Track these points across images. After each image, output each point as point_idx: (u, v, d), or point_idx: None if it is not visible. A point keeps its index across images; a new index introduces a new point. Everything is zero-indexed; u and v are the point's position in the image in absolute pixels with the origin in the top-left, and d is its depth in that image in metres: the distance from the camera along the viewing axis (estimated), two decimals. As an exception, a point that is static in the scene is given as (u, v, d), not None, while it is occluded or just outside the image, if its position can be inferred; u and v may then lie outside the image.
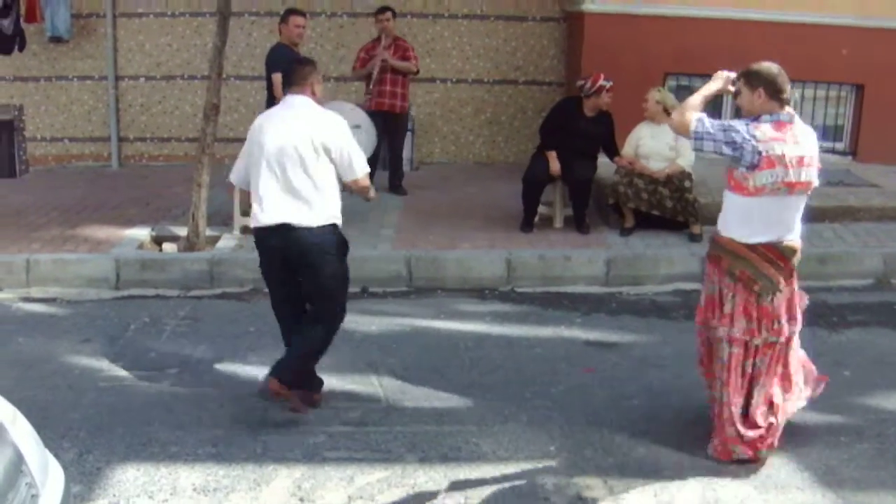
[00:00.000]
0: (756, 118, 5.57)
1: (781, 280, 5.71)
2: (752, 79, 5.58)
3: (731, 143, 5.45)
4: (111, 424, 6.21)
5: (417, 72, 12.05)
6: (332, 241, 6.37)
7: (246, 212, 10.26)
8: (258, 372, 7.05)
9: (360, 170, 6.37)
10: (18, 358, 7.48)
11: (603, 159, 10.42)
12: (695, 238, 9.86)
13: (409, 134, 13.31)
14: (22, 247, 9.81)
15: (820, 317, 7.15)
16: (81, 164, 14.28)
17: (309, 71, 6.39)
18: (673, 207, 9.88)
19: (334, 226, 6.38)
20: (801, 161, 5.54)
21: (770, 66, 5.61)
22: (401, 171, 12.03)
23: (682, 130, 5.62)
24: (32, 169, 14.14)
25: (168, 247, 9.99)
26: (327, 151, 6.20)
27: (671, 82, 12.46)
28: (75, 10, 13.85)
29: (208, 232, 9.99)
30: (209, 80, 9.81)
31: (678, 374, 6.89)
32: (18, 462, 3.74)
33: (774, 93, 5.54)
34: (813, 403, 6.21)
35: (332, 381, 6.86)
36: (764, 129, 5.49)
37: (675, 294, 9.08)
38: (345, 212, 10.69)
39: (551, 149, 10.23)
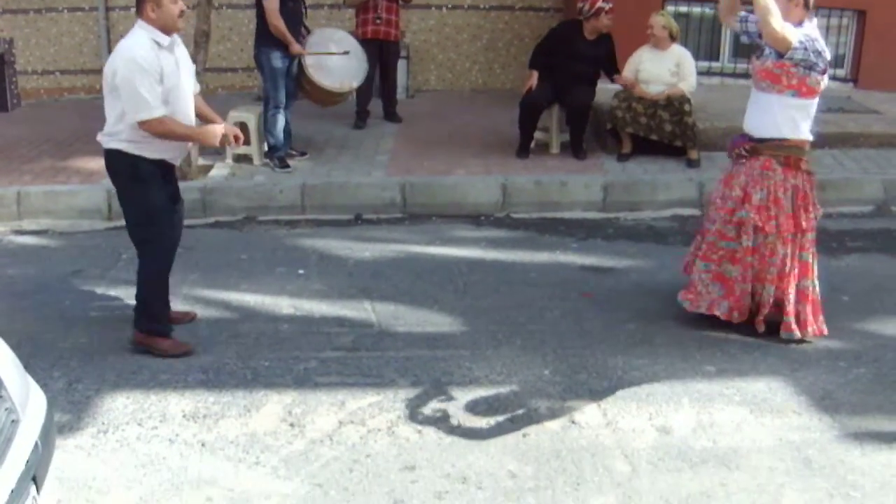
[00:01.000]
0: (798, 24, 5.95)
1: None
2: None
3: (816, 51, 5.86)
4: (101, 353, 6.16)
5: (411, 0, 11.83)
6: (117, 162, 6.11)
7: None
8: (250, 299, 7.04)
9: (136, 114, 5.84)
10: (9, 290, 7.42)
11: (602, 84, 10.28)
12: (692, 164, 9.75)
13: (404, 61, 13.15)
14: (13, 179, 9.73)
15: (819, 243, 7.00)
16: (73, 97, 14.13)
17: None
18: (672, 132, 9.75)
19: (119, 151, 6.05)
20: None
21: None
22: (395, 99, 11.87)
23: (781, 44, 5.82)
24: (24, 102, 14.02)
25: (160, 176, 9.87)
26: (113, 81, 5.90)
27: (670, 7, 12.26)
28: (64, -60, 13.66)
29: (201, 161, 9.89)
30: (198, 7, 9.64)
31: (673, 299, 6.78)
32: (-4, 387, 3.68)
33: (808, 3, 6.00)
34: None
35: (323, 307, 6.84)
36: (815, 34, 5.96)
37: (673, 219, 9.00)
38: (340, 139, 10.80)
39: (536, 68, 10.12)
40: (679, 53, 9.96)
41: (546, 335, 6.33)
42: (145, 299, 6.27)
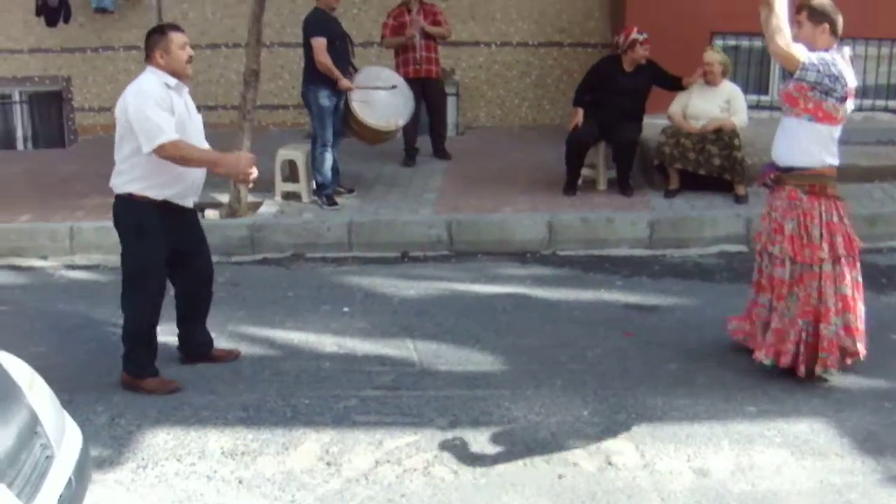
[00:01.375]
0: (824, 51, 5.90)
1: None
2: (817, 15, 5.92)
3: (831, 76, 5.80)
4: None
5: (449, 36, 11.83)
6: (123, 213, 6.25)
7: (287, 177, 10.32)
8: (294, 336, 7.09)
9: (151, 142, 5.89)
10: (58, 323, 7.55)
11: (648, 119, 10.27)
12: (740, 199, 9.69)
13: (454, 98, 13.22)
14: (66, 215, 9.91)
15: (868, 278, 6.96)
16: (129, 134, 14.30)
17: (153, 41, 6.13)
18: (720, 165, 9.69)
19: (125, 198, 6.20)
20: (854, 92, 6.03)
21: (831, 4, 5.99)
22: (444, 136, 11.90)
23: (789, 62, 5.84)
24: (81, 138, 14.27)
25: (210, 213, 10.00)
26: (126, 118, 6.03)
27: (718, 41, 12.20)
28: (120, -19, 13.90)
29: (250, 198, 10.00)
30: (248, 46, 9.77)
31: (717, 338, 6.77)
32: (33, 423, 3.76)
33: (836, 30, 5.96)
34: (856, 367, 6.20)
35: (365, 346, 6.88)
36: (839, 62, 5.86)
37: (720, 256, 8.96)
38: (389, 177, 10.85)
39: (580, 106, 10.17)
40: (730, 90, 9.94)
41: (587, 375, 6.30)
42: (130, 344, 6.29)
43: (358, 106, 9.96)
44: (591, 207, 9.70)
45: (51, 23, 13.67)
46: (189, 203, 6.41)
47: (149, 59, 6.11)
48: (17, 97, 14.77)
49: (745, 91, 11.37)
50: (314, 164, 10.02)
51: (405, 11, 11.44)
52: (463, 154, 11.98)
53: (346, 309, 7.67)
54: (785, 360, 6.12)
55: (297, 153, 10.27)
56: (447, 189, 10.47)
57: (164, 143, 5.86)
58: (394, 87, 10.29)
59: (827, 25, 5.93)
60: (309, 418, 5.76)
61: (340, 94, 9.90)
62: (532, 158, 11.72)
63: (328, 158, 9.93)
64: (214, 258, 8.93)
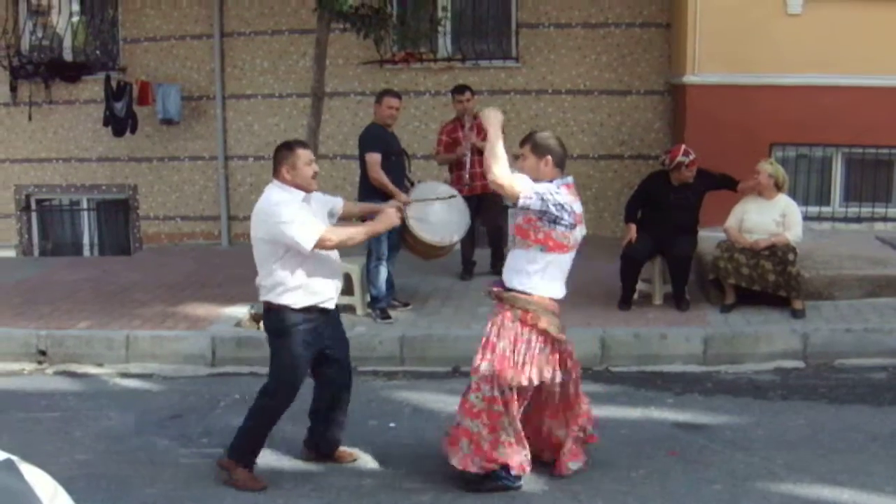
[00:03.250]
0: (548, 181, 6.10)
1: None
2: (540, 148, 6.16)
3: (557, 204, 5.98)
4: (184, 500, 6.28)
5: None
6: (269, 319, 6.50)
7: (343, 290, 10.35)
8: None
9: (306, 241, 6.13)
10: (108, 432, 7.62)
11: (704, 233, 10.23)
12: (797, 314, 9.57)
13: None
14: (123, 323, 10.04)
15: None
16: (192, 242, 14.57)
17: (280, 157, 6.37)
18: (775, 281, 9.60)
19: (270, 305, 6.44)
20: (581, 217, 6.24)
21: (553, 138, 6.33)
22: (502, 250, 11.82)
23: (509, 192, 6.00)
24: (146, 246, 14.51)
25: (267, 325, 10.04)
26: (261, 235, 6.29)
27: (777, 152, 12.21)
28: (186, 93, 14.29)
29: (304, 312, 10.04)
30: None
31: (766, 457, 6.67)
32: (51, 540, 3.73)
33: (560, 162, 6.19)
34: None
35: (408, 463, 6.83)
36: (563, 191, 6.08)
37: (775, 373, 8.82)
38: (444, 291, 10.86)
39: (631, 221, 10.19)
40: (785, 203, 9.88)
41: (629, 496, 6.20)
42: (247, 431, 6.53)
43: (413, 222, 10.00)
44: (645, 322, 9.62)
45: (118, 133, 14.04)
46: (331, 305, 6.59)
47: (276, 173, 6.36)
48: (85, 204, 15.10)
49: (806, 202, 11.40)
50: (369, 277, 10.09)
51: (459, 127, 11.43)
52: (520, 266, 11.92)
53: (392, 424, 7.66)
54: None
55: (352, 266, 10.33)
56: (502, 302, 10.44)
57: (322, 238, 6.13)
58: (452, 196, 10.33)
59: (550, 157, 6.13)
60: (345, 537, 5.72)
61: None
62: (590, 271, 11.61)
63: (382, 272, 9.99)
64: (267, 370, 9.09)
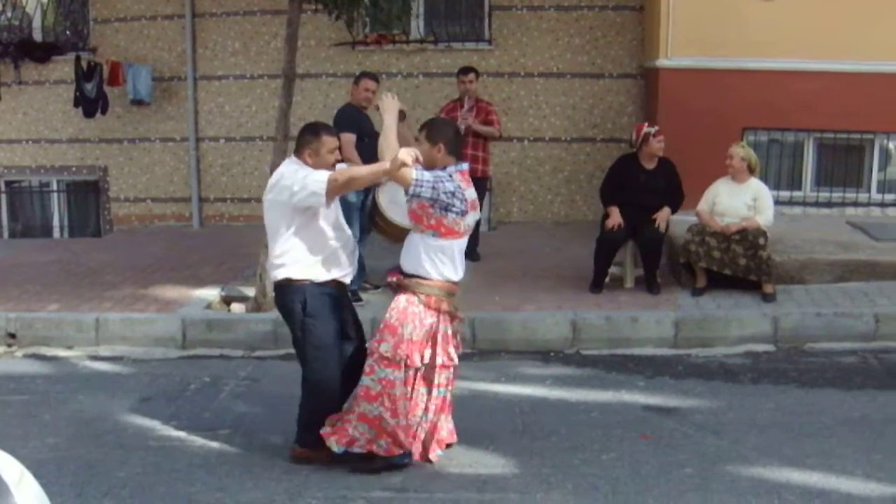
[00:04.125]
0: (441, 168, 6.19)
1: None
2: (434, 134, 6.26)
3: (447, 192, 6.06)
4: (154, 484, 6.20)
5: (500, 136, 11.83)
6: (286, 299, 6.42)
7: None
8: (308, 434, 7.03)
9: (316, 183, 6.14)
10: (76, 415, 7.56)
11: (677, 217, 10.22)
12: (768, 298, 9.59)
13: (486, 194, 13.25)
14: (94, 305, 9.98)
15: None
16: (163, 224, 14.50)
17: (305, 140, 6.38)
18: (746, 266, 9.62)
19: (288, 283, 6.37)
20: (474, 203, 6.32)
21: (450, 124, 6.65)
22: (477, 237, 11.76)
23: (401, 180, 6.07)
24: (116, 228, 14.44)
25: (236, 307, 10.01)
26: (276, 197, 6.28)
27: (750, 136, 12.23)
28: (157, 74, 14.22)
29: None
30: (275, 141, 9.86)
31: (736, 440, 6.69)
32: (16, 524, 3.70)
33: (454, 149, 6.27)
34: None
35: (378, 445, 6.79)
36: (457, 178, 6.16)
37: (746, 356, 8.84)
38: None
39: (612, 204, 10.13)
40: (756, 187, 9.88)
41: (599, 479, 6.18)
42: (307, 424, 6.51)
43: (385, 204, 9.94)
44: (616, 306, 9.63)
45: (88, 114, 13.96)
46: (348, 279, 6.64)
47: (297, 153, 6.37)
48: (55, 186, 15.01)
49: (777, 186, 11.44)
50: (340, 259, 10.01)
51: (458, 106, 11.44)
52: (492, 250, 11.98)
53: (363, 406, 7.62)
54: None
55: (323, 247, 10.29)
56: (473, 285, 10.39)
57: (329, 178, 6.11)
58: None
59: (442, 145, 6.21)
60: (314, 520, 5.70)
61: (368, 190, 9.91)
62: (561, 254, 11.70)
63: (354, 254, 9.92)
64: (238, 352, 9.10)
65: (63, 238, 14.94)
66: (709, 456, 6.54)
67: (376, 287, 10.33)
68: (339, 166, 6.52)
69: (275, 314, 9.31)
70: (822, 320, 9.20)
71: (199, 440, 6.97)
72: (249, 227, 13.82)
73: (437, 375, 6.36)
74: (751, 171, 9.90)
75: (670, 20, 12.13)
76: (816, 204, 12.54)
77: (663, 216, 9.88)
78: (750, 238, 9.58)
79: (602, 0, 13.65)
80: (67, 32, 14.80)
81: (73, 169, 14.82)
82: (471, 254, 11.47)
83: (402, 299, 6.28)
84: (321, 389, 6.43)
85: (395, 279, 6.41)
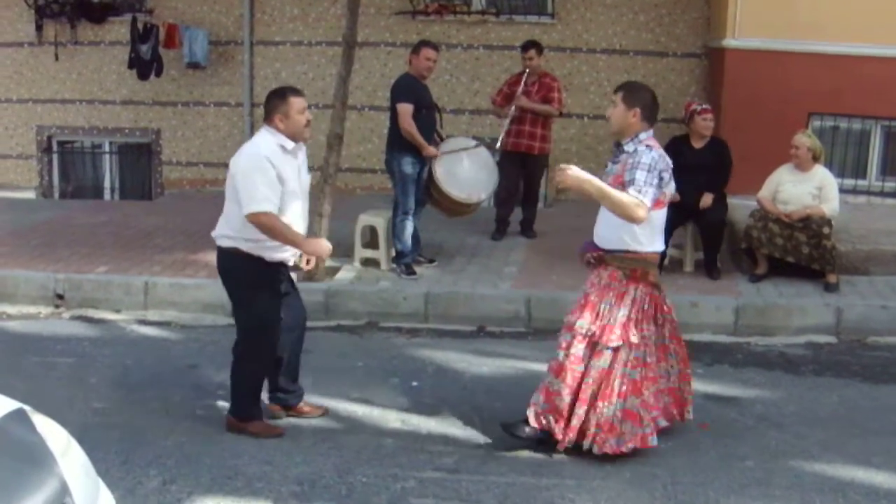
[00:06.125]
0: (635, 138, 5.99)
1: None
2: (631, 98, 6.03)
3: (660, 177, 5.80)
4: (200, 454, 6.08)
5: (560, 114, 11.55)
6: (232, 266, 6.32)
7: (367, 244, 10.18)
8: (358, 409, 6.91)
9: (248, 206, 5.99)
10: (124, 380, 7.48)
11: (738, 201, 9.97)
12: (830, 288, 9.35)
13: (545, 171, 13.05)
14: (143, 269, 9.89)
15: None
16: (215, 189, 14.30)
17: (273, 105, 6.25)
18: (809, 254, 9.37)
19: (236, 251, 6.23)
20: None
21: (648, 89, 6.20)
22: (533, 214, 11.66)
23: (638, 219, 5.73)
24: (167, 192, 14.35)
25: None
26: (232, 177, 6.13)
27: (815, 122, 11.96)
28: (213, 38, 14.10)
29: (329, 263, 9.85)
30: (334, 109, 9.69)
31: (799, 434, 6.47)
32: (62, 493, 3.59)
33: (650, 115, 6.01)
34: None
35: (431, 423, 6.67)
36: (655, 146, 5.94)
37: (807, 347, 8.59)
38: (471, 248, 10.66)
39: None
40: (822, 175, 9.60)
41: (658, 468, 5.99)
42: (241, 388, 6.44)
43: (442, 176, 9.80)
44: (675, 289, 9.34)
45: (143, 76, 13.90)
46: (292, 262, 6.52)
47: (268, 120, 6.23)
48: (107, 147, 14.94)
49: (842, 175, 11.16)
50: (394, 231, 9.88)
51: (521, 80, 11.21)
52: (549, 228, 11.78)
53: (415, 383, 7.47)
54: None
55: (378, 219, 10.14)
56: (529, 264, 10.26)
57: (259, 213, 5.96)
58: (477, 145, 10.14)
59: (639, 110, 5.97)
60: (364, 498, 5.54)
61: (424, 162, 9.76)
62: (618, 235, 11.45)
63: (409, 227, 9.78)
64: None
65: (114, 200, 14.86)
66: (770, 449, 6.33)
67: (431, 261, 10.17)
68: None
69: (326, 285, 9.26)
70: (888, 313, 8.94)
71: (246, 411, 6.83)
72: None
73: (628, 354, 6.01)
74: (815, 159, 9.62)
75: (739, 0, 11.82)
76: (881, 193, 12.25)
77: (704, 203, 9.62)
78: (814, 226, 9.32)
79: (669, -23, 13.33)
80: (125, -7, 14.69)
81: (126, 131, 14.73)
82: (526, 231, 11.33)
83: (603, 275, 6.07)
84: (255, 358, 6.38)
85: (593, 255, 6.18)
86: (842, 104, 11.91)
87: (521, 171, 11.22)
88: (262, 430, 6.37)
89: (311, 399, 6.96)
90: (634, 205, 5.66)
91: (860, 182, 12.32)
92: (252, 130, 14.14)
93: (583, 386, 5.99)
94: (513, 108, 11.08)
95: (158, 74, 13.95)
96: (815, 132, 10.45)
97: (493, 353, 8.29)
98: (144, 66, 13.88)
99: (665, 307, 6.28)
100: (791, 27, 11.71)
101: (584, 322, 5.99)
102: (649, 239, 6.01)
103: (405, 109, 9.54)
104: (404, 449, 6.24)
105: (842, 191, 10.02)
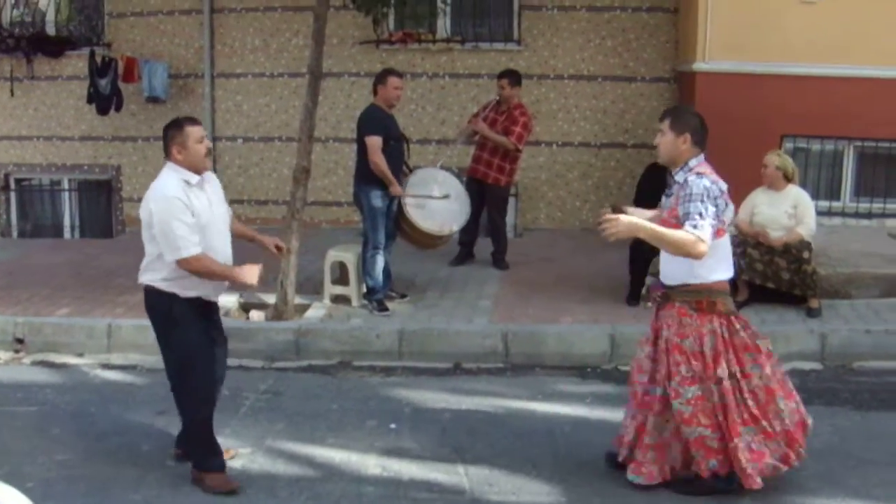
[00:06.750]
0: (685, 166, 5.76)
1: None
2: (679, 124, 5.79)
3: (716, 206, 5.56)
4: (172, 510, 5.78)
5: (516, 149, 11.04)
6: (156, 303, 6.10)
7: (337, 280, 9.92)
8: (336, 455, 6.63)
9: (174, 254, 5.81)
10: (89, 429, 7.18)
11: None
12: (813, 313, 9.19)
13: (513, 199, 12.85)
14: (106, 311, 9.62)
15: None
16: (178, 226, 14.07)
17: (169, 136, 6.02)
18: (790, 280, 9.20)
19: (154, 289, 6.04)
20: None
21: (696, 114, 5.95)
22: (502, 245, 11.35)
23: (697, 255, 5.50)
24: (128, 230, 14.06)
25: (255, 315, 9.63)
26: (147, 225, 5.93)
27: (788, 144, 11.84)
28: (173, 71, 13.84)
29: (298, 300, 9.60)
30: (300, 142, 9.44)
31: (795, 468, 6.22)
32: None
33: (699, 140, 5.79)
34: None
35: (412, 469, 6.39)
36: (707, 172, 5.72)
37: (793, 375, 8.22)
38: (442, 281, 10.42)
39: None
40: (796, 195, 9.45)
41: (649, 510, 5.76)
42: (190, 441, 6.25)
43: (412, 209, 9.57)
44: (655, 319, 9.19)
45: (102, 111, 13.64)
46: (215, 298, 6.33)
47: (167, 154, 6.02)
48: (66, 185, 14.65)
49: (816, 197, 11.05)
50: (365, 267, 9.63)
51: (492, 108, 11.10)
52: (521, 258, 11.54)
53: (392, 426, 7.19)
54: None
55: (347, 254, 9.89)
56: (503, 297, 10.02)
57: (188, 258, 5.80)
58: (446, 196, 9.91)
59: (689, 135, 5.76)
60: (347, 553, 5.27)
61: (393, 196, 9.52)
62: (593, 264, 11.25)
63: (379, 261, 9.54)
64: (258, 363, 8.73)
65: (74, 239, 14.53)
66: (767, 485, 6.05)
67: (403, 296, 9.91)
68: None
69: (296, 323, 9.00)
70: (871, 338, 8.78)
71: (219, 460, 6.54)
72: (268, 230, 13.35)
73: (713, 388, 5.78)
74: (787, 179, 9.47)
75: (708, 22, 11.71)
76: (856, 215, 12.13)
77: None
78: (793, 251, 9.18)
79: (635, 1, 13.18)
80: (81, 26, 14.39)
81: (86, 167, 14.40)
82: (498, 262, 11.11)
83: (673, 313, 5.84)
84: (194, 399, 6.12)
85: (659, 293, 6.01)
86: (814, 125, 11.80)
87: (481, 199, 10.96)
88: (216, 484, 6.06)
89: (284, 446, 6.72)
90: (692, 242, 5.44)
91: (834, 203, 12.20)
92: (215, 165, 13.87)
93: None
94: (468, 128, 11.04)
95: (118, 109, 13.66)
96: (787, 153, 10.30)
97: (471, 390, 8.03)
98: (104, 101, 13.59)
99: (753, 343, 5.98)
100: (761, 49, 11.58)
101: (683, 366, 5.79)
102: (713, 267, 5.76)
103: (374, 143, 9.30)
104: (386, 497, 5.98)
105: (817, 212, 9.86)
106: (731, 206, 5.89)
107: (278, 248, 6.60)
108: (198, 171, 5.97)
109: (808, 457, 6.00)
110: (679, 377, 5.75)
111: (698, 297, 5.76)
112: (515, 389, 7.99)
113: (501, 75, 11.13)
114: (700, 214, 5.48)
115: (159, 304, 6.04)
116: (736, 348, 5.78)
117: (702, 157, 5.81)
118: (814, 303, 9.26)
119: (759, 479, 5.74)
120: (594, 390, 8.00)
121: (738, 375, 5.75)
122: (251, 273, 6.07)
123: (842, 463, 6.42)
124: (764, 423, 5.79)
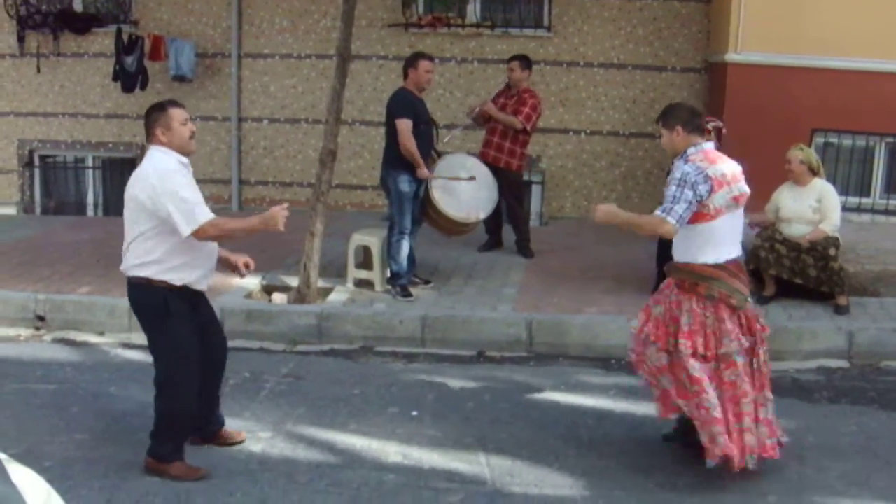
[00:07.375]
0: (683, 154, 5.98)
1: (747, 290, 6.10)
2: (668, 120, 6.06)
3: (693, 190, 5.76)
4: (191, 492, 5.74)
5: (524, 130, 10.93)
6: (143, 297, 5.95)
7: (361, 264, 9.84)
8: (357, 442, 6.55)
9: (189, 226, 5.66)
10: (107, 409, 7.12)
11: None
12: (841, 310, 9.05)
13: (539, 187, 12.73)
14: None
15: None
16: (201, 205, 14.01)
17: (152, 118, 5.97)
18: (817, 277, 9.07)
19: (145, 281, 5.87)
20: (735, 177, 5.99)
21: (682, 105, 6.36)
22: (524, 232, 11.27)
23: (664, 234, 5.93)
24: (152, 209, 13.93)
25: (278, 297, 9.56)
26: (145, 200, 5.74)
27: (818, 139, 11.66)
28: (200, 50, 13.77)
29: (321, 283, 9.52)
30: (326, 124, 9.36)
31: (820, 468, 6.15)
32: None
33: (693, 127, 6.00)
34: None
35: (434, 457, 6.31)
36: (697, 159, 5.89)
37: (819, 372, 8.27)
38: (467, 268, 10.33)
39: None
40: (820, 188, 9.27)
41: (676, 505, 5.67)
42: (164, 428, 6.03)
43: (438, 194, 9.48)
44: (680, 312, 9.08)
45: (128, 89, 13.56)
46: (204, 287, 6.13)
47: (150, 137, 5.95)
48: (90, 162, 14.59)
49: (846, 193, 10.91)
50: (390, 251, 9.54)
51: (504, 92, 11.11)
52: (546, 247, 11.45)
53: (414, 413, 7.12)
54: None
55: (372, 239, 9.79)
56: (528, 285, 9.92)
57: (205, 225, 5.68)
58: (472, 178, 9.81)
59: (679, 127, 5.98)
60: (366, 541, 5.20)
61: (421, 180, 9.42)
62: (620, 255, 11.13)
63: (405, 247, 9.45)
64: (279, 346, 8.63)
65: (97, 216, 14.49)
66: (793, 484, 6.00)
67: (427, 282, 9.83)
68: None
69: (319, 307, 8.92)
70: (901, 337, 8.64)
71: (239, 443, 6.48)
72: (293, 213, 13.18)
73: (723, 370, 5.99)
74: (813, 172, 9.31)
75: (741, 13, 11.55)
76: (886, 212, 11.96)
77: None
78: (819, 248, 9.04)
79: (667, -10, 13.05)
80: (109, 3, 14.32)
81: (110, 145, 14.37)
82: (522, 250, 11.00)
83: (673, 287, 6.09)
84: (177, 394, 5.94)
85: (665, 267, 6.34)
86: (845, 120, 11.63)
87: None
88: (183, 472, 5.93)
89: (304, 431, 6.65)
90: (658, 222, 5.82)
91: (864, 200, 12.03)
92: (240, 145, 13.81)
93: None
94: (477, 108, 10.98)
95: (143, 87, 13.59)
96: (817, 149, 10.21)
97: (494, 378, 7.95)
98: (129, 79, 13.52)
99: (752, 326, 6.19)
100: (795, 42, 11.42)
101: (682, 340, 5.96)
102: (701, 250, 5.96)
103: (405, 126, 9.20)
104: (406, 486, 5.90)
105: (846, 209, 9.77)
106: (742, 189, 6.03)
107: (246, 265, 6.31)
108: (184, 154, 5.93)
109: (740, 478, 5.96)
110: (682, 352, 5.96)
111: (680, 277, 6.02)
112: (539, 379, 7.90)
113: (512, 59, 11.11)
114: (673, 198, 5.78)
115: (150, 298, 5.88)
116: (720, 336, 5.95)
117: (704, 144, 6.05)
118: (842, 300, 9.12)
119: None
120: (618, 382, 7.89)
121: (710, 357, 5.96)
122: (274, 219, 5.90)
123: (868, 463, 6.30)
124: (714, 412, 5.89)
